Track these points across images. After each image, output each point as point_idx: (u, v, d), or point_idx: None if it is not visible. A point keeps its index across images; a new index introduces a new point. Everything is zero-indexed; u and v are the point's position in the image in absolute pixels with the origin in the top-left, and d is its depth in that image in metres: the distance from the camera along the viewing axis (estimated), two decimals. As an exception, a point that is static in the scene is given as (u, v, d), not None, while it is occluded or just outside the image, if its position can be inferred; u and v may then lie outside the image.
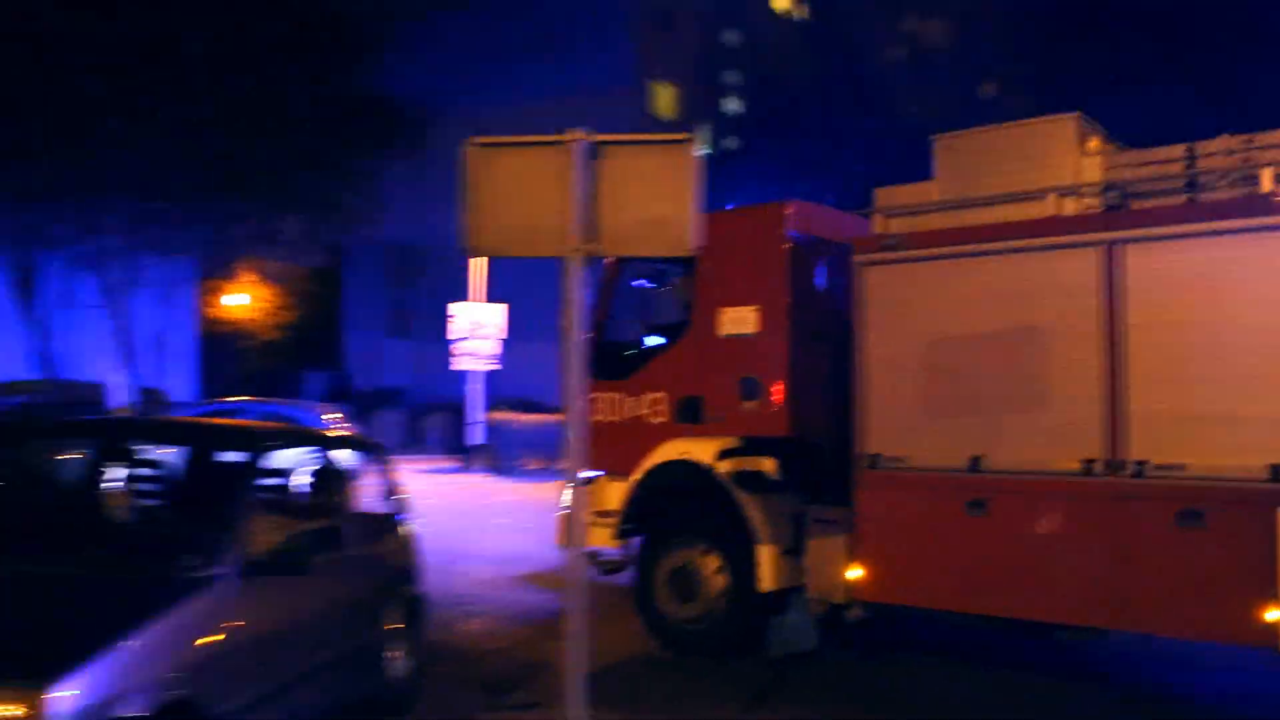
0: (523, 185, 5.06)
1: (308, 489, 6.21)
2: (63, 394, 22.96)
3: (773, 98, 44.82)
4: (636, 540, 9.48)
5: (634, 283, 9.70)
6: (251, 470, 5.60)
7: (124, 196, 23.67)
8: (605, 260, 9.55)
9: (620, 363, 9.61)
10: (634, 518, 9.29)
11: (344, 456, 6.71)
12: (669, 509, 9.27)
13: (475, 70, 43.38)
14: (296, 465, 6.31)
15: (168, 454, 6.35)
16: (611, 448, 9.15)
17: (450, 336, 29.45)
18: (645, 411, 9.39)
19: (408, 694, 7.12)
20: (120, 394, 25.78)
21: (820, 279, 9.00)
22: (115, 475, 6.14)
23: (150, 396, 24.91)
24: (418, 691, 7.25)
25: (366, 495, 7.05)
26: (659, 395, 9.32)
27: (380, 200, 27.97)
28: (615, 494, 9.36)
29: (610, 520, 9.34)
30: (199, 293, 37.61)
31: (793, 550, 8.61)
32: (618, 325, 9.89)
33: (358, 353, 49.50)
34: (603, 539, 9.41)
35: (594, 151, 4.97)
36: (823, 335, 8.80)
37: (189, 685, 4.64)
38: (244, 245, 28.57)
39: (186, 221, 25.15)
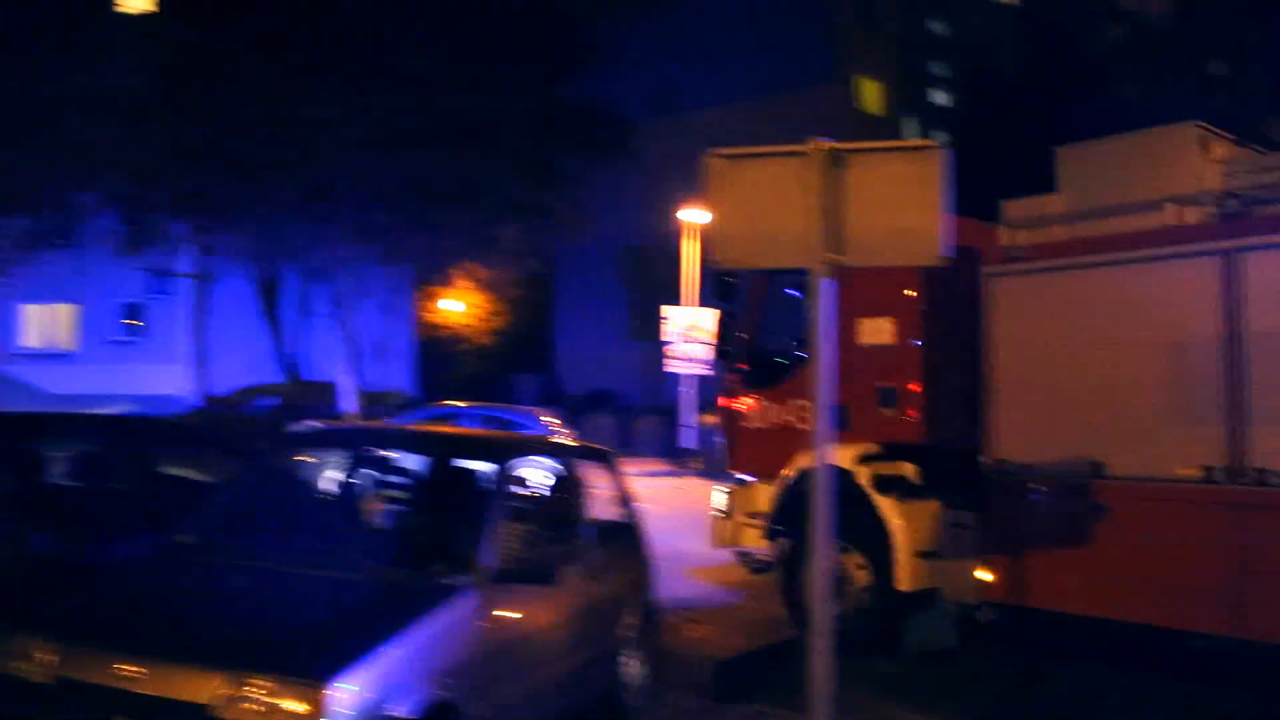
0: (765, 196, 5.05)
1: (548, 496, 6.37)
2: (303, 397, 24.22)
3: (983, 88, 43.45)
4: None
5: (786, 290, 9.91)
6: (499, 479, 5.76)
7: (351, 209, 24.91)
8: (756, 270, 9.96)
9: (769, 371, 10.05)
10: (782, 519, 9.56)
11: (580, 463, 6.85)
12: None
13: (681, 71, 43.67)
14: (537, 473, 6.48)
15: (418, 462, 6.62)
16: (761, 452, 9.79)
17: (663, 339, 29.70)
18: (792, 418, 9.69)
19: (641, 699, 7.21)
20: (349, 397, 27.13)
21: (954, 289, 8.97)
22: (370, 482, 6.45)
23: (384, 400, 25.64)
24: (650, 697, 7.33)
25: (600, 501, 7.18)
26: (804, 402, 9.34)
27: (592, 204, 28.52)
28: (764, 497, 9.70)
29: (760, 521, 9.81)
30: (417, 299, 39.20)
31: (929, 553, 8.80)
32: (768, 335, 10.33)
33: (568, 356, 50.49)
34: (753, 539, 9.95)
35: (837, 160, 4.91)
36: (956, 344, 8.91)
37: (449, 689, 4.83)
38: (460, 253, 29.55)
39: (407, 231, 26.22)
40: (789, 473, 9.39)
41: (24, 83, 23.30)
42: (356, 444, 6.96)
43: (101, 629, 4.92)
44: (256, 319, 32.78)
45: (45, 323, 33.63)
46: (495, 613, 5.28)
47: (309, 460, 7.11)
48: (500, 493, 5.68)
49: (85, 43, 24.76)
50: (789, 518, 9.43)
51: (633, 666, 7.09)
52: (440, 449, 6.79)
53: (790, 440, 9.40)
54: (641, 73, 42.27)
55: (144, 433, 7.97)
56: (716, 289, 9.99)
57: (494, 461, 5.92)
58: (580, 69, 26.77)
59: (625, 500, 7.53)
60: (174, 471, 7.88)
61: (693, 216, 29.24)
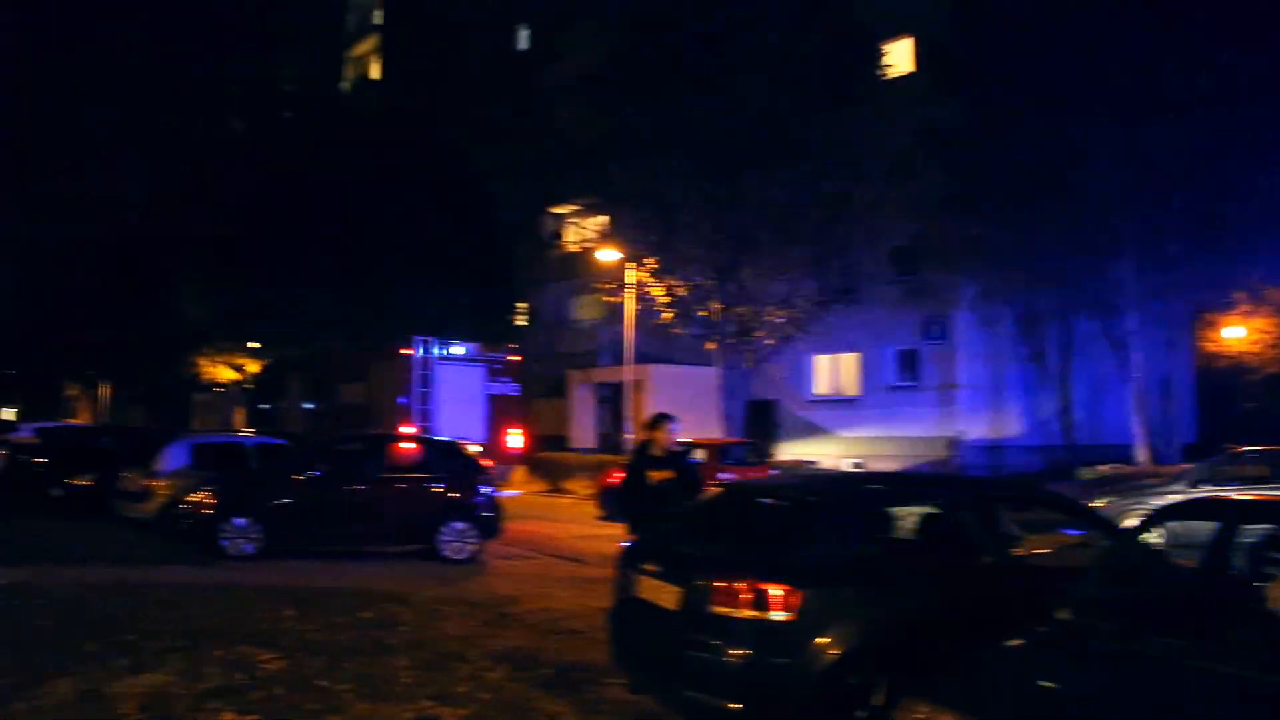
0: None
1: None
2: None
3: None
4: None
5: None
6: None
7: (1134, 241, 23.84)
8: None
9: None
10: None
11: None
12: None
13: None
14: None
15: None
16: None
17: None
18: None
19: None
20: (1139, 442, 25.76)
21: None
22: (1260, 561, 5.73)
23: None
24: None
25: None
26: None
27: None
28: None
29: None
30: (1196, 329, 36.10)
31: None
32: None
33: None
34: None
35: None
36: None
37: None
38: (1247, 280, 27.03)
39: (1193, 258, 24.53)
40: None
41: (803, 152, 25.61)
42: (1248, 518, 6.20)
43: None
44: (1025, 362, 32.62)
45: (832, 372, 36.28)
46: None
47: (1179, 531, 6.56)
48: None
49: (855, 106, 26.72)
50: None
51: None
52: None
53: None
54: None
55: (992, 495, 7.92)
56: None
57: None
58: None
59: None
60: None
61: None
